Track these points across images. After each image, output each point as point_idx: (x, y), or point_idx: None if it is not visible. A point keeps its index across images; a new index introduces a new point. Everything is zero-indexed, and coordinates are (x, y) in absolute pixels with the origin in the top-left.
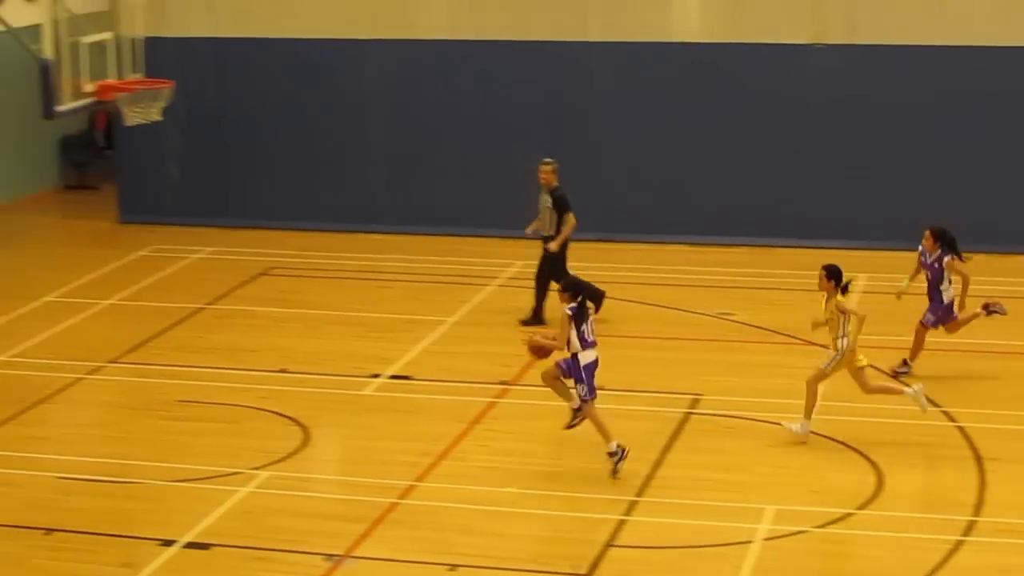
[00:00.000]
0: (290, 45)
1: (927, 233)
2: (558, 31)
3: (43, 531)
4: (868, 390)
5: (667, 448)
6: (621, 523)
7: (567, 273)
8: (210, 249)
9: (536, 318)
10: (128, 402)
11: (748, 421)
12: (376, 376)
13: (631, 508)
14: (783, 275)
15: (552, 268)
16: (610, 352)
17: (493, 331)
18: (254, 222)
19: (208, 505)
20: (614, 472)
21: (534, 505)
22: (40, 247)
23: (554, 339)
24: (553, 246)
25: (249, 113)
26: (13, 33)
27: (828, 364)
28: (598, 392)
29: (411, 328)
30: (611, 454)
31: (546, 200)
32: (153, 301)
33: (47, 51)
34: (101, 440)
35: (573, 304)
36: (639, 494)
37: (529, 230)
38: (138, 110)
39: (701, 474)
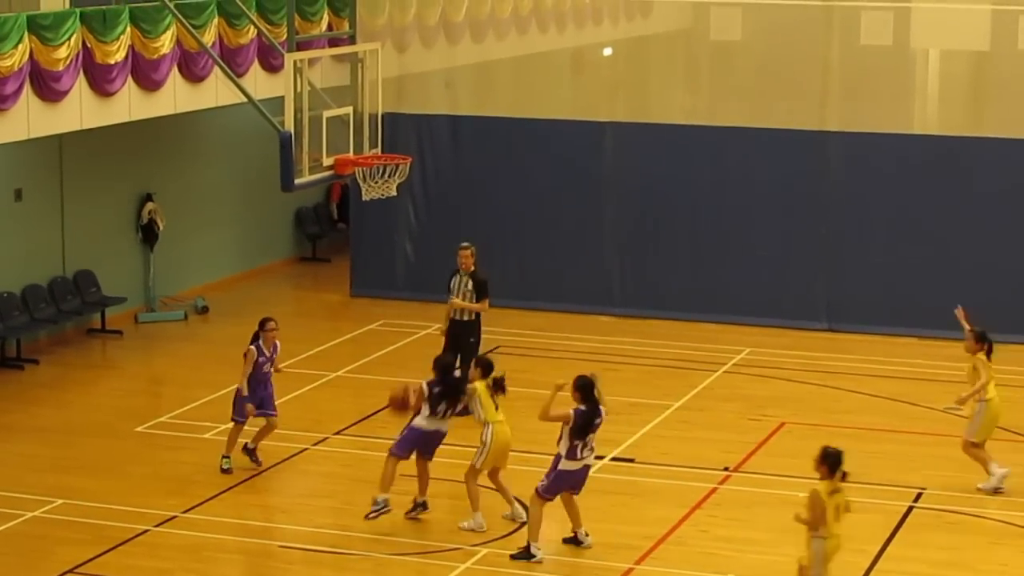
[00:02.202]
0: (527, 125)
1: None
2: (796, 120)
3: None
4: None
5: (888, 541)
6: None
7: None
8: (439, 325)
9: None
10: (351, 474)
11: (972, 517)
12: (599, 458)
13: None
14: (1014, 372)
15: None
16: (835, 443)
17: (718, 417)
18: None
19: None
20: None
21: None
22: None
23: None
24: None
25: (484, 191)
26: (255, 105)
27: (478, 459)
28: None
29: (636, 411)
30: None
31: (467, 282)
32: (381, 375)
33: (288, 124)
34: (323, 510)
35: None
36: None
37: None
38: (375, 185)
39: (922, 569)
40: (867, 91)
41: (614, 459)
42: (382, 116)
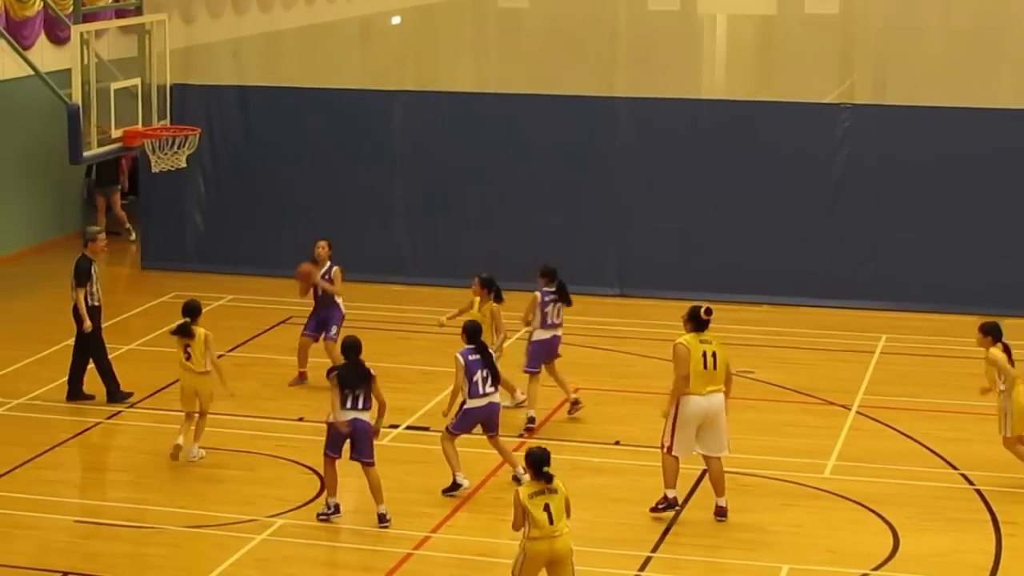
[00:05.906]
0: (317, 94)
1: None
2: (584, 86)
3: (59, 574)
4: None
5: (683, 506)
6: None
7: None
8: (231, 297)
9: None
10: (146, 447)
11: (765, 480)
12: (394, 427)
13: (646, 564)
14: (803, 334)
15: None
16: (629, 408)
17: (513, 381)
18: (276, 270)
19: (223, 552)
20: None
21: None
22: (62, 291)
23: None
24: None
25: (274, 161)
26: (42, 77)
27: None
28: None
29: (430, 379)
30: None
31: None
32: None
33: (75, 96)
34: (118, 484)
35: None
36: (654, 550)
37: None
38: (164, 157)
39: (717, 531)
40: (655, 56)
41: (408, 428)
42: (170, 87)
